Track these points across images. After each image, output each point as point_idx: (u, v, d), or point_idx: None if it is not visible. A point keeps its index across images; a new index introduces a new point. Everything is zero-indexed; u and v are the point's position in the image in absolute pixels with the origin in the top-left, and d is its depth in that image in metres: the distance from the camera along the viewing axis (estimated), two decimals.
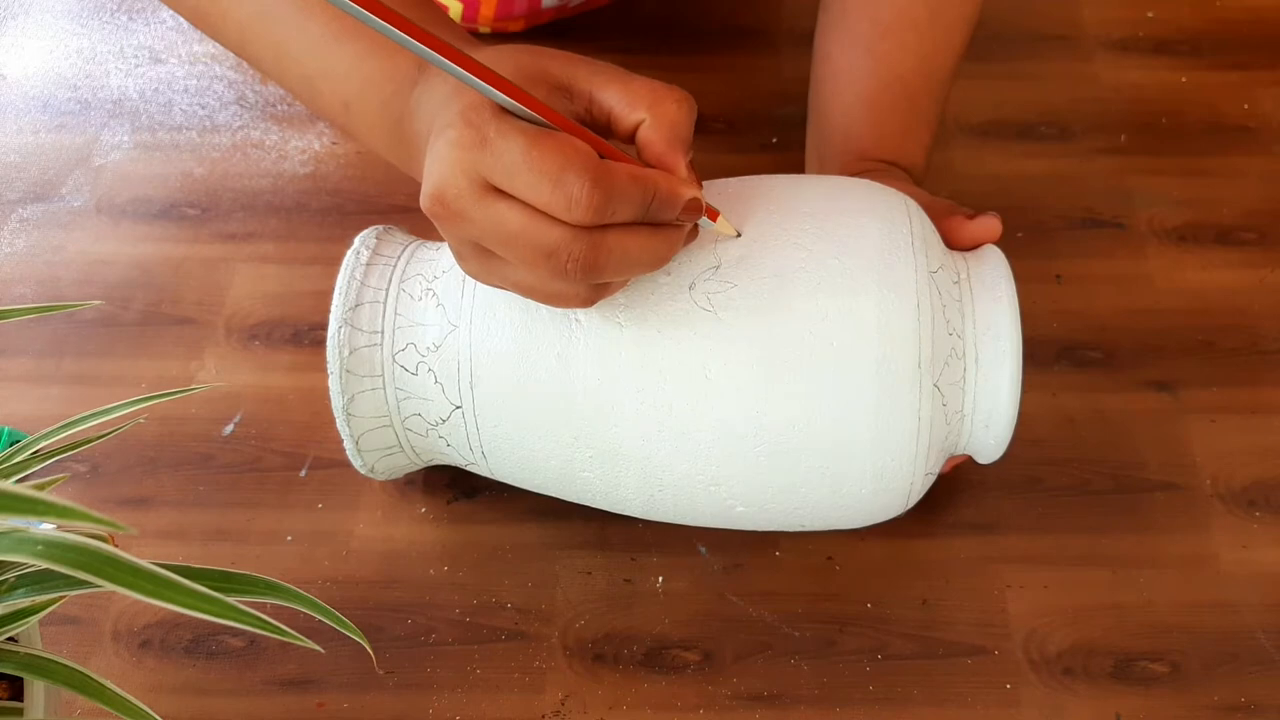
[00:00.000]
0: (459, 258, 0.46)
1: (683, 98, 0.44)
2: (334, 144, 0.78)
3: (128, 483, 0.62)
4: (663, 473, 0.51)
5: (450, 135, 0.42)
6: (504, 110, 0.42)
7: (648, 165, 0.44)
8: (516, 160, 0.41)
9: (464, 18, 0.82)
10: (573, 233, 0.42)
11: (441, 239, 0.53)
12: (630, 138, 0.45)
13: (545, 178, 0.41)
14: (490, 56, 0.44)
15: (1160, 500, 0.61)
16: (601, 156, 0.42)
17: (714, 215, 0.48)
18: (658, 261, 0.45)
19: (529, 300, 0.48)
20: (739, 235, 0.49)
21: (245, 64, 0.83)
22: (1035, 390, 0.64)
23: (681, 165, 0.44)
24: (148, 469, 0.62)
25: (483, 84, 0.41)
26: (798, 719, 0.54)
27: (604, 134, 0.45)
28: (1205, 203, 0.74)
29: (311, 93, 0.54)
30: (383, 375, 0.53)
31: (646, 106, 0.44)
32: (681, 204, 0.44)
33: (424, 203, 0.43)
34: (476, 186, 0.42)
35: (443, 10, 0.53)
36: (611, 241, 0.43)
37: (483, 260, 0.45)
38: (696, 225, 0.47)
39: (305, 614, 0.40)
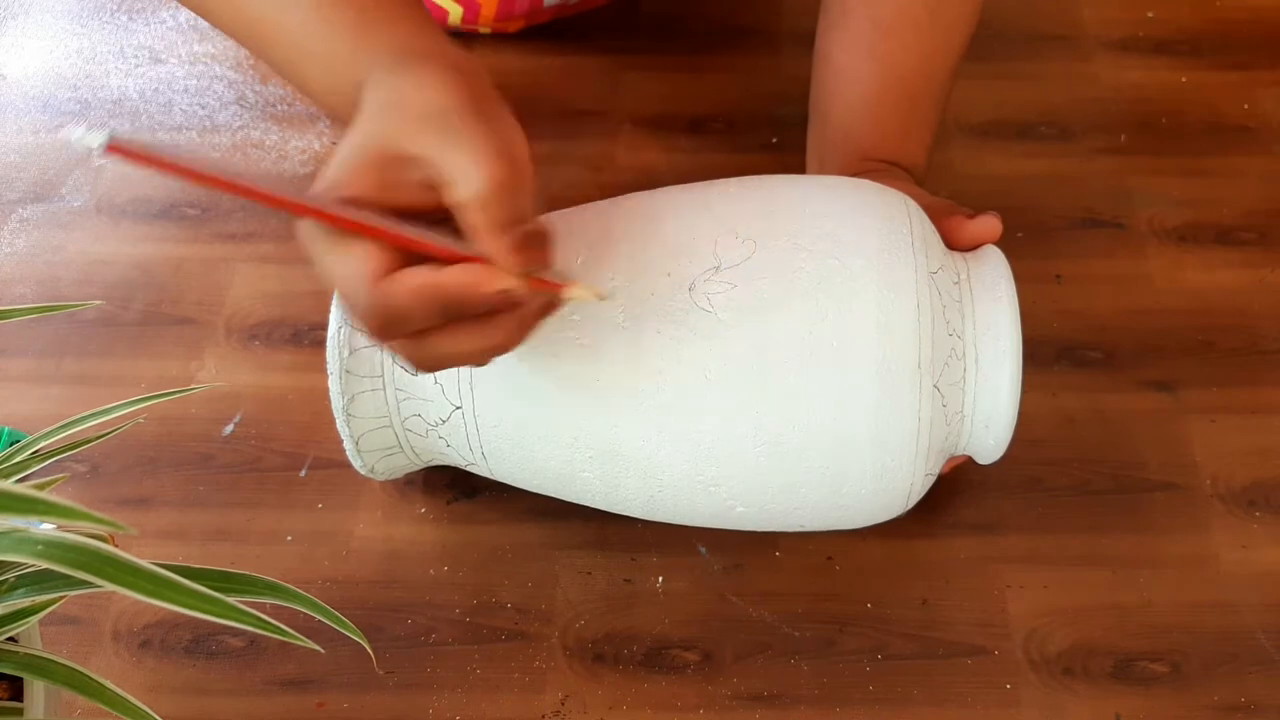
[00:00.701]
0: None
1: (504, 162, 0.40)
2: (334, 144, 0.78)
3: (128, 483, 0.62)
4: (662, 473, 0.51)
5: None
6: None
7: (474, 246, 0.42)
8: (322, 273, 0.42)
9: (464, 19, 0.82)
10: (395, 342, 0.43)
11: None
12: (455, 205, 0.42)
13: (339, 295, 0.42)
14: (363, 123, 0.43)
15: (1160, 500, 0.61)
16: (420, 254, 0.41)
17: (557, 288, 0.44)
18: (500, 347, 0.43)
19: None
20: (604, 298, 0.45)
21: (245, 65, 0.83)
22: (1035, 390, 0.64)
23: (499, 250, 0.41)
24: (148, 469, 0.62)
25: (288, 211, 0.41)
26: (798, 719, 0.54)
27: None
28: (1205, 203, 0.74)
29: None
30: (383, 376, 0.53)
31: (463, 180, 0.40)
32: (486, 301, 0.41)
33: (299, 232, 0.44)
34: (320, 246, 0.43)
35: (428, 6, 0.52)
36: (433, 344, 0.43)
37: None
38: (556, 295, 0.44)
39: (305, 614, 0.40)
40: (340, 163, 0.42)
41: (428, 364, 0.44)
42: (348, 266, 0.41)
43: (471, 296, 0.41)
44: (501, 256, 0.41)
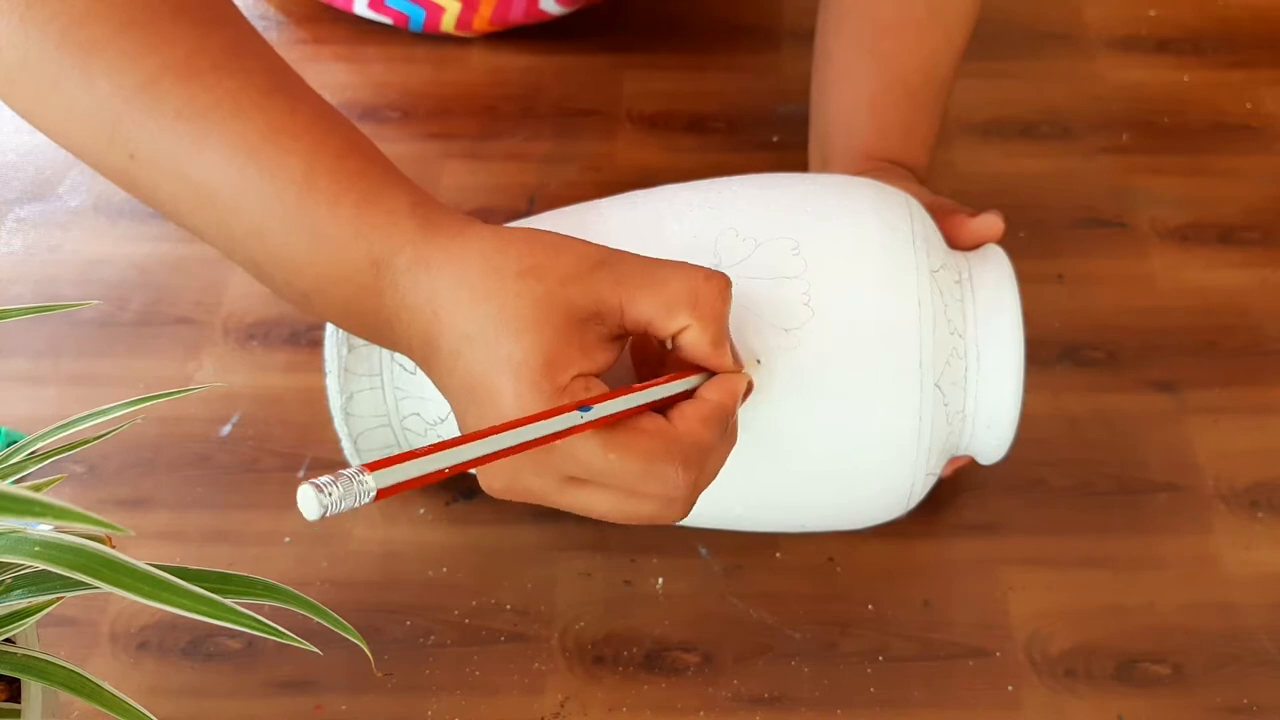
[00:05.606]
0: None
1: (720, 284, 0.42)
2: None
3: (125, 483, 0.61)
4: None
5: None
6: None
7: (691, 361, 0.43)
8: (595, 462, 0.39)
9: (459, 21, 0.81)
10: (690, 479, 0.41)
11: None
12: (669, 337, 0.43)
13: (632, 472, 0.39)
14: (512, 309, 0.40)
15: (1162, 501, 0.60)
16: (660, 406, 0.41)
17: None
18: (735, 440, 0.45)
19: None
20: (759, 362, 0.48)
21: None
22: (1037, 390, 0.63)
23: (729, 361, 0.43)
24: (145, 470, 0.62)
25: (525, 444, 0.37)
26: None
27: (641, 337, 0.44)
28: (1208, 202, 0.74)
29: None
30: (380, 374, 0.53)
31: (688, 310, 0.41)
32: (742, 399, 0.44)
33: (490, 491, 0.42)
34: (555, 480, 0.41)
35: (386, 160, 0.45)
36: (713, 460, 0.42)
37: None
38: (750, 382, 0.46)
39: (303, 616, 0.40)
40: (539, 351, 0.39)
41: (707, 483, 0.43)
42: (643, 443, 0.40)
43: (734, 404, 0.43)
44: (733, 363, 0.44)
